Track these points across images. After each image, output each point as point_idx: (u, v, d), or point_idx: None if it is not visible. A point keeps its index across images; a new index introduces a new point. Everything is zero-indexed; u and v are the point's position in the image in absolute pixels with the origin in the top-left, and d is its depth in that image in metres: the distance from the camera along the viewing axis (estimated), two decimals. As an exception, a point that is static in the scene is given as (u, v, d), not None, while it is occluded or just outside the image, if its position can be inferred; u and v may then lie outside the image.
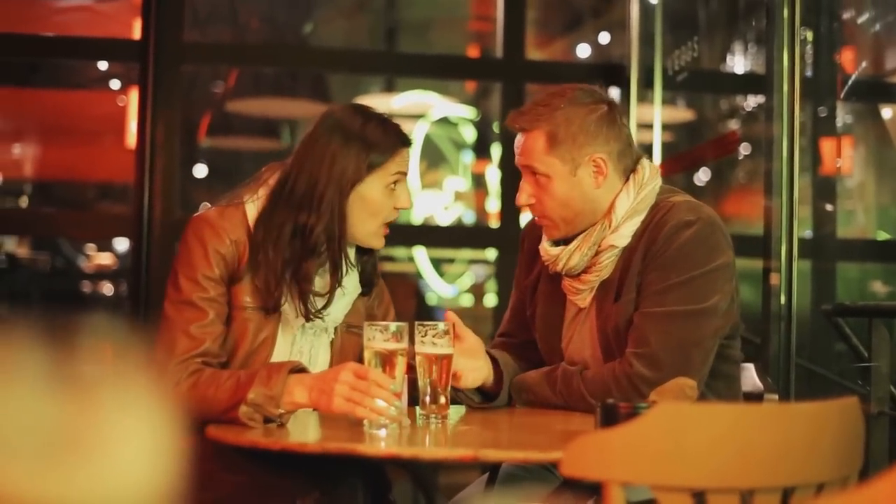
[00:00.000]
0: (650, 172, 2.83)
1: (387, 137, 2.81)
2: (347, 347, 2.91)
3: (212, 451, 2.64)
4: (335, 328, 2.91)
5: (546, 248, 2.87)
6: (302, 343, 2.86)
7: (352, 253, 2.90)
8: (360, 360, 2.80)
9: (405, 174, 2.85)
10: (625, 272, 2.76)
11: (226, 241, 2.77)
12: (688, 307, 2.68)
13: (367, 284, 2.96)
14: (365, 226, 2.82)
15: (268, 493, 2.60)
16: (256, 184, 2.86)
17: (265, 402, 2.57)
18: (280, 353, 2.82)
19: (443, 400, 2.61)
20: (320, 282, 2.82)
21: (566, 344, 2.88)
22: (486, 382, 2.84)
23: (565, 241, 2.85)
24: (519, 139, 2.84)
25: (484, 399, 2.87)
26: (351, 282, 2.90)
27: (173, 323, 2.74)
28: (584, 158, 2.78)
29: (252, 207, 2.82)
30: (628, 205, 2.78)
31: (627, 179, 2.81)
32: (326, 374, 2.59)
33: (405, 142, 2.86)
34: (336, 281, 2.82)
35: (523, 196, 2.83)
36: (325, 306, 2.82)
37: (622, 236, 2.77)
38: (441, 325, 2.62)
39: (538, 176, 2.80)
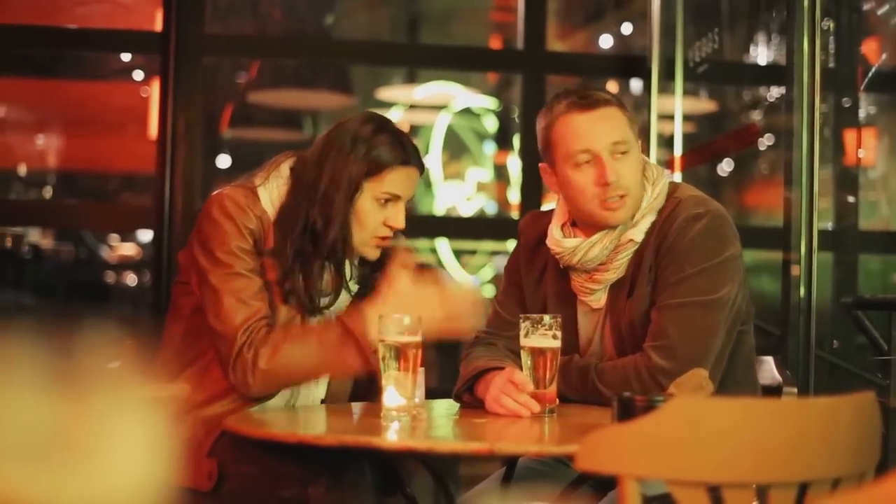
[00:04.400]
0: (657, 171, 2.83)
1: (392, 148, 2.81)
2: None
3: (227, 445, 2.66)
4: None
5: (559, 241, 2.83)
6: None
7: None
8: None
9: (400, 198, 2.84)
10: (637, 269, 2.76)
11: (251, 217, 2.80)
12: (702, 297, 2.68)
13: (369, 289, 2.96)
14: (355, 235, 2.83)
15: (280, 482, 2.63)
16: (268, 170, 2.89)
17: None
18: None
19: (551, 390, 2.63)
20: (325, 280, 2.85)
21: (584, 346, 2.86)
22: None
23: (587, 234, 2.82)
24: (596, 122, 2.75)
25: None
26: (353, 285, 2.93)
27: (226, 294, 2.76)
28: (637, 140, 2.80)
29: (263, 191, 2.85)
30: (647, 201, 2.78)
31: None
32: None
33: (409, 160, 2.84)
34: (340, 281, 2.84)
35: (614, 174, 2.73)
36: (329, 305, 2.85)
37: (640, 231, 2.77)
38: (547, 318, 2.62)
39: (624, 151, 2.74)
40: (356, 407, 2.92)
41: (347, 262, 2.87)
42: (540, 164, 2.85)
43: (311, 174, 2.81)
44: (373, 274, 2.92)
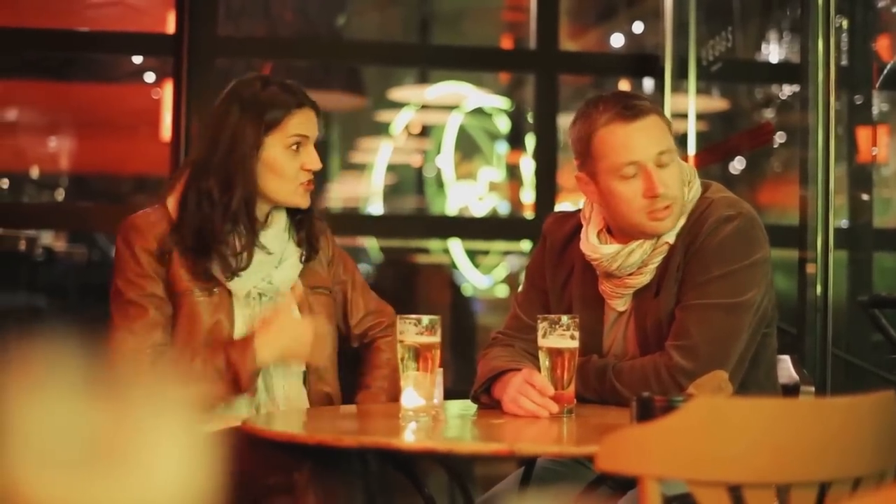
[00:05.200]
0: (691, 172, 2.81)
1: (282, 97, 2.88)
2: (318, 308, 2.99)
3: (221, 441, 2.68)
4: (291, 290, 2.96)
5: (596, 247, 2.79)
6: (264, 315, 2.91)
7: (282, 215, 2.98)
8: (334, 317, 3.02)
9: (307, 137, 2.90)
10: (664, 270, 2.75)
11: (150, 238, 2.86)
12: (728, 300, 2.67)
13: (309, 248, 3.01)
14: (279, 188, 2.89)
15: (268, 470, 2.64)
16: (174, 179, 2.96)
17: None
18: (241, 332, 2.89)
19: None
20: (239, 242, 2.88)
21: (608, 348, 2.85)
22: None
23: (623, 241, 2.79)
24: (640, 132, 2.71)
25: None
26: (283, 244, 2.96)
27: (118, 323, 2.84)
28: (676, 145, 2.78)
29: (171, 201, 2.91)
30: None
31: None
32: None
33: (303, 102, 2.90)
34: (252, 239, 2.88)
35: (662, 185, 2.69)
36: (247, 265, 2.87)
37: (674, 234, 2.75)
38: (565, 318, 2.61)
39: (668, 160, 2.71)
40: (367, 408, 2.92)
41: (250, 217, 2.90)
42: (576, 175, 2.80)
43: (207, 150, 2.88)
44: (301, 224, 3.01)
